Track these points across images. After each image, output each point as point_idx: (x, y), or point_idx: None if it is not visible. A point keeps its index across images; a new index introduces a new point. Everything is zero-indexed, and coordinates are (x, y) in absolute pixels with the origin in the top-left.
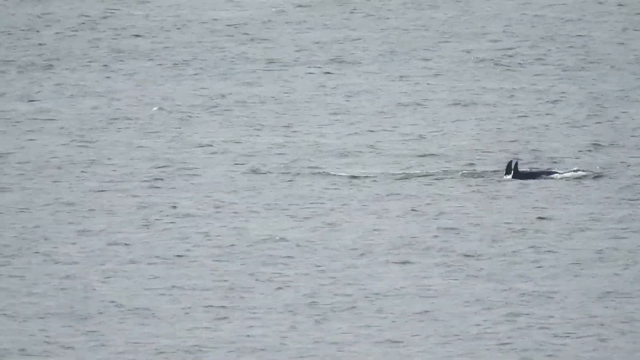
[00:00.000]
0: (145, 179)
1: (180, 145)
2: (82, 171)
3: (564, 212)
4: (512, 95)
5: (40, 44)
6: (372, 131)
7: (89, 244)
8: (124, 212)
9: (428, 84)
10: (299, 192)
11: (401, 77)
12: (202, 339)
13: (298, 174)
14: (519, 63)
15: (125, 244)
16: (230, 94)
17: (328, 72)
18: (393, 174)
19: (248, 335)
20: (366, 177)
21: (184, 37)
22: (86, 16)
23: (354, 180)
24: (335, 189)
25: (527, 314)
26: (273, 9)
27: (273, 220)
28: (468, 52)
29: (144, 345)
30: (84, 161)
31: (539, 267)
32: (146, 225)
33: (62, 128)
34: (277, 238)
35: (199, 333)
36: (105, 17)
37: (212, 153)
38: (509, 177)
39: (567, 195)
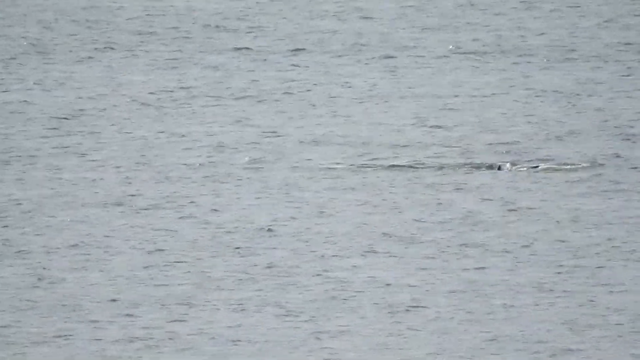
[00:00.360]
0: (127, 170)
1: (155, 137)
2: (57, 163)
3: (550, 204)
4: (496, 87)
5: (22, 37)
6: (353, 122)
7: (63, 236)
8: (102, 204)
9: (407, 75)
10: (277, 183)
11: (384, 67)
12: (180, 331)
13: (278, 164)
14: (501, 53)
15: (105, 235)
16: (202, 85)
17: (306, 63)
18: (370, 166)
19: (227, 327)
20: (348, 168)
21: (158, 28)
22: (63, 9)
23: (338, 172)
24: (316, 180)
25: (512, 305)
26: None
27: (254, 211)
28: (450, 43)
29: (125, 336)
30: (58, 153)
31: (521, 258)
32: (125, 216)
33: (36, 119)
34: (258, 228)
35: (177, 324)
36: (84, 9)
37: (187, 144)
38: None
39: (554, 188)
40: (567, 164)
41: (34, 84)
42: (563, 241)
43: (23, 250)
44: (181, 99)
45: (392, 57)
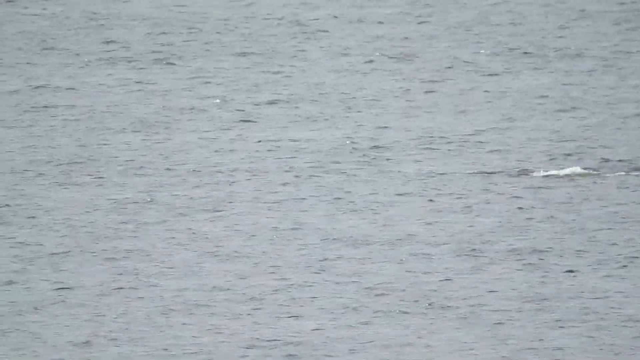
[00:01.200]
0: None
1: (182, 144)
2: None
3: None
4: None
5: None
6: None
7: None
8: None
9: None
10: (330, 186)
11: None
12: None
13: (325, 170)
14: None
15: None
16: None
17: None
18: (411, 172)
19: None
20: (396, 172)
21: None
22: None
23: (395, 176)
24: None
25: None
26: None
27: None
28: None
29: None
30: (81, 161)
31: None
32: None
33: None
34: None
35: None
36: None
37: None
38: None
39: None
40: (616, 169)
41: (66, 89)
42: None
43: (101, 257)
44: (199, 105)
45: (403, 65)
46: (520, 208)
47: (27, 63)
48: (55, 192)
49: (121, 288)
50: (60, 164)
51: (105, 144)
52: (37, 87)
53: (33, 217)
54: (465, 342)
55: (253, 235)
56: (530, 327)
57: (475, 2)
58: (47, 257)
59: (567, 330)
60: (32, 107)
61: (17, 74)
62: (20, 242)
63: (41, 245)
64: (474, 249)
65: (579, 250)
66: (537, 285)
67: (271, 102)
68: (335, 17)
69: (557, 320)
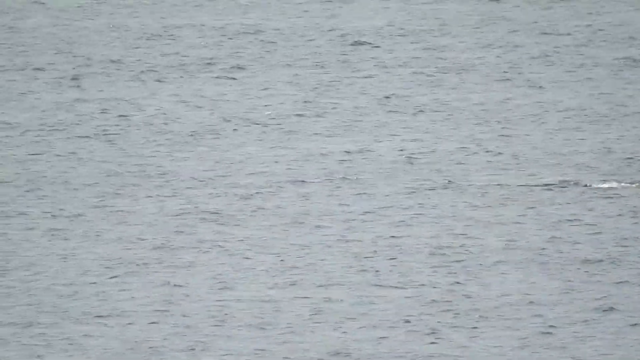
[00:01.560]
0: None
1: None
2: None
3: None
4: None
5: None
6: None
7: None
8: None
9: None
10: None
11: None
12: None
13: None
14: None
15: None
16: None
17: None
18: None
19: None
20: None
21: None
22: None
23: (463, 189)
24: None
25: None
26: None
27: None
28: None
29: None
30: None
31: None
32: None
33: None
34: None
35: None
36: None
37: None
38: None
39: None
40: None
41: (124, 101)
42: None
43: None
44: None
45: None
46: (576, 219)
47: (90, 73)
48: (111, 204)
49: (177, 299)
50: (114, 176)
51: (162, 155)
52: (96, 99)
53: (87, 230)
54: (524, 350)
55: (307, 246)
56: (596, 338)
57: (530, 12)
58: (101, 268)
59: (627, 340)
60: (91, 118)
61: (74, 84)
62: (73, 254)
63: (95, 256)
64: (532, 260)
65: (634, 261)
66: (596, 294)
67: (324, 113)
68: (389, 27)
69: (617, 330)
